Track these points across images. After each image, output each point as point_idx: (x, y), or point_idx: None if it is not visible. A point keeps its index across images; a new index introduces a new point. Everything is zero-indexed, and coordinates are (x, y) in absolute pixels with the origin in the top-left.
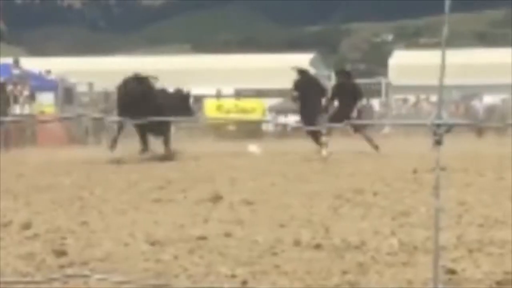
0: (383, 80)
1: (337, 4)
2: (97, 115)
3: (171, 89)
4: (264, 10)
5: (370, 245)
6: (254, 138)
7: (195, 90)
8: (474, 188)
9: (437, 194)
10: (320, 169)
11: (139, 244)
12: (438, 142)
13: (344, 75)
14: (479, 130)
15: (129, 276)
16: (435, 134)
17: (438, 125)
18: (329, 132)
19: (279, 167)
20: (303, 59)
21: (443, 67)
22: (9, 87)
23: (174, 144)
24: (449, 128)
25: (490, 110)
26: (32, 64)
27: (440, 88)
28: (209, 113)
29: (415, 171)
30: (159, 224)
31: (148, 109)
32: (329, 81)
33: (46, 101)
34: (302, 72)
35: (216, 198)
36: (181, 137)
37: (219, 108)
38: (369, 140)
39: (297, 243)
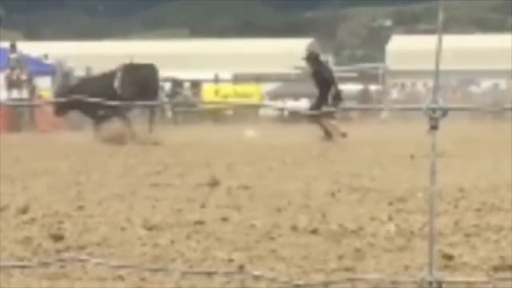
0: (381, 66)
1: None
2: None
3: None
4: None
5: (367, 230)
6: (251, 123)
7: (193, 75)
8: (471, 173)
9: (432, 178)
10: (317, 154)
11: (136, 228)
12: (434, 127)
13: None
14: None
15: (126, 260)
16: (430, 118)
17: (434, 110)
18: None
19: (277, 152)
20: (301, 44)
21: (439, 52)
22: (7, 71)
23: (171, 129)
24: (445, 112)
25: (488, 95)
26: (30, 48)
27: (436, 73)
28: (207, 98)
29: (412, 156)
30: (156, 208)
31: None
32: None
33: (44, 85)
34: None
35: (214, 183)
36: (178, 121)
37: (216, 92)
38: (330, 127)
39: (294, 228)
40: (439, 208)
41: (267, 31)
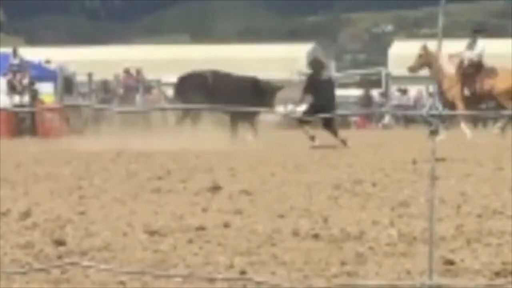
0: (383, 71)
1: None
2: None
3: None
4: (263, 0)
5: (369, 235)
6: (253, 128)
7: None
8: (473, 178)
9: (432, 183)
10: (319, 159)
11: (137, 234)
12: (433, 132)
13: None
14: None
15: (128, 265)
16: (430, 124)
17: (433, 116)
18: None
19: (278, 157)
20: (303, 50)
21: (438, 57)
22: (9, 77)
23: (173, 134)
24: (444, 118)
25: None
26: (31, 54)
27: (436, 79)
28: None
29: (414, 162)
30: (158, 214)
31: None
32: (328, 71)
33: (45, 90)
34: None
35: (215, 188)
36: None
37: None
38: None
39: (295, 233)
40: (441, 213)
41: (268, 36)
